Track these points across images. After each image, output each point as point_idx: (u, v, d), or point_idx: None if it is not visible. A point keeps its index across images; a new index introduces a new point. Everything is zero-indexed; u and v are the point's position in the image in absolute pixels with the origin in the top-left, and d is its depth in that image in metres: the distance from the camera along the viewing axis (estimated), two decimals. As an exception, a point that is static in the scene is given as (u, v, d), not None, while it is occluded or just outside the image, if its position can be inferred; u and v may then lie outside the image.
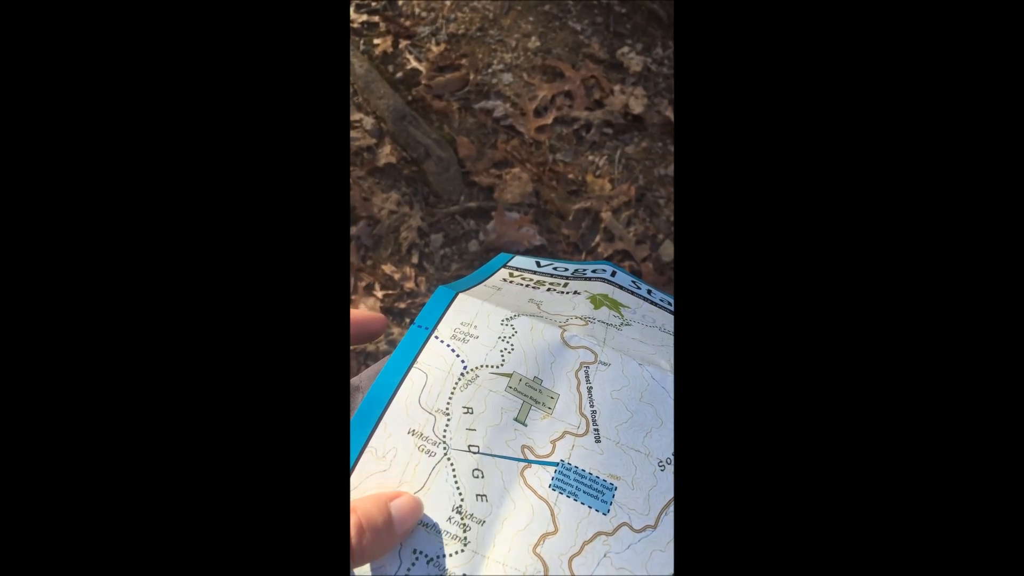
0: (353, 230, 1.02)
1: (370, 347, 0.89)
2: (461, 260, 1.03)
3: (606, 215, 1.10)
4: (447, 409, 0.30)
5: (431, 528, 0.27)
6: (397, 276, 1.00)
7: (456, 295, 0.34)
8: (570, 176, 1.16)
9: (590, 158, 1.19)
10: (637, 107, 1.20)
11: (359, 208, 1.04)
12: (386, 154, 1.08)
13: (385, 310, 0.97)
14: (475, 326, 0.32)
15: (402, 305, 0.98)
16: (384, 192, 1.06)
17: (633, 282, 0.38)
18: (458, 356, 0.31)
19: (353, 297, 0.97)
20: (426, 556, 0.27)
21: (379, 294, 0.98)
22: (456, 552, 0.27)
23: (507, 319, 0.33)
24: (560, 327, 0.33)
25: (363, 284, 0.99)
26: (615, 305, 0.35)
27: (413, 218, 1.04)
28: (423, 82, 1.16)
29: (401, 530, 0.25)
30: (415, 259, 1.02)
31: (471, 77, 1.19)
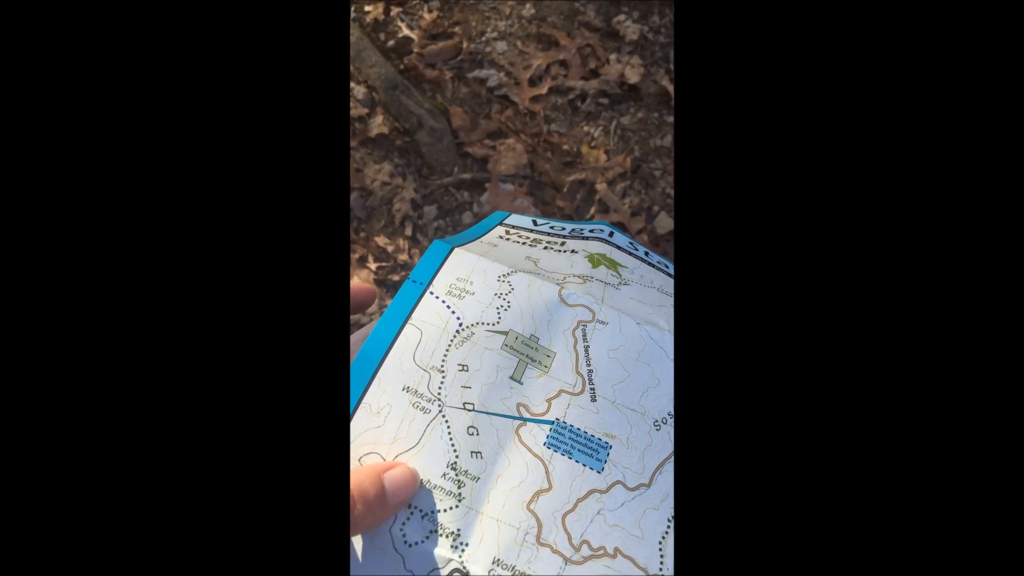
0: (345, 201, 1.00)
1: (363, 319, 0.88)
2: (455, 232, 1.02)
3: (601, 187, 1.09)
4: (442, 366, 0.29)
5: (425, 484, 0.27)
6: (390, 248, 0.99)
7: (452, 250, 0.33)
8: (565, 147, 1.15)
9: (585, 129, 1.18)
10: (633, 76, 1.18)
11: (352, 179, 1.03)
12: (378, 124, 1.06)
13: (379, 282, 0.96)
14: (471, 282, 0.32)
15: (395, 277, 0.97)
16: (376, 163, 1.04)
17: (630, 243, 0.37)
18: (453, 313, 0.31)
19: (346, 269, 0.96)
20: (420, 511, 0.27)
21: (372, 266, 0.97)
22: (450, 508, 0.27)
23: (504, 275, 0.32)
24: (558, 284, 0.32)
25: (356, 256, 0.98)
26: (613, 265, 0.35)
27: (406, 190, 1.03)
28: (415, 50, 1.14)
29: (395, 502, 0.25)
30: (408, 231, 1.01)
31: (464, 45, 1.16)
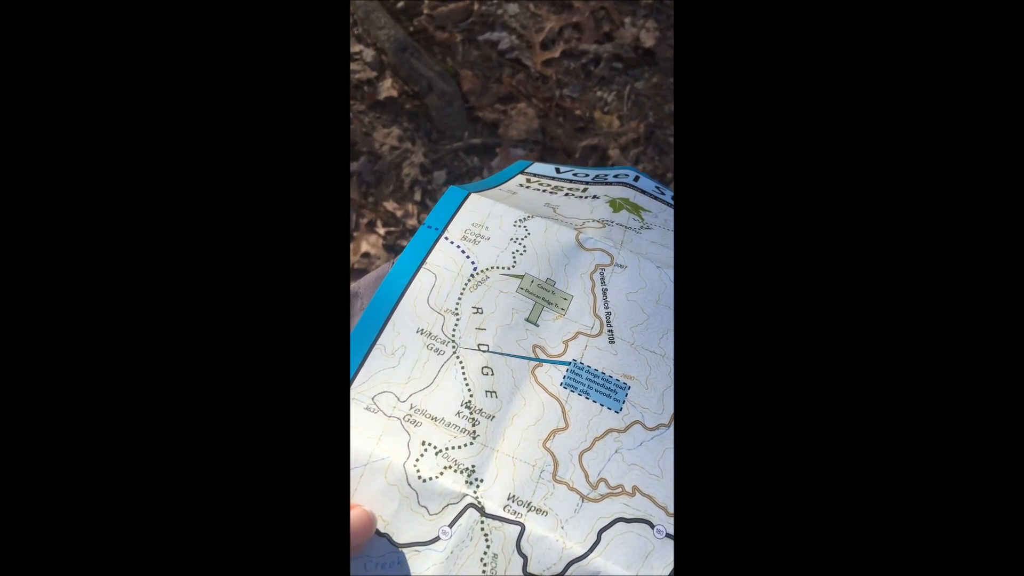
0: (354, 166, 0.99)
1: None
2: (465, 197, 1.00)
3: (614, 153, 1.07)
4: (456, 309, 0.29)
5: (439, 421, 0.27)
6: (399, 213, 0.98)
7: (468, 195, 0.32)
8: (577, 112, 1.12)
9: (598, 94, 1.15)
10: (648, 40, 1.15)
11: (360, 143, 1.02)
12: (387, 87, 1.05)
13: (388, 247, 0.96)
14: (487, 227, 0.31)
15: (404, 243, 0.96)
16: (385, 127, 1.03)
17: (657, 187, 0.36)
18: (468, 257, 0.30)
19: (355, 234, 0.96)
20: (435, 448, 0.26)
21: (381, 231, 0.96)
22: (465, 444, 0.26)
23: (520, 220, 0.32)
24: (576, 229, 0.31)
25: (365, 221, 0.97)
26: (635, 209, 0.34)
27: (415, 154, 1.01)
28: (425, 12, 1.11)
29: (352, 544, 0.24)
30: (417, 196, 1.00)
31: (475, 7, 1.13)
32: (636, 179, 0.36)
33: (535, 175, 0.37)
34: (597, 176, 0.37)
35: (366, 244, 0.96)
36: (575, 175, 0.37)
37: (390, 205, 0.98)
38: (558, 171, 0.38)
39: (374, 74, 1.06)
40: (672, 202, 0.36)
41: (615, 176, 0.36)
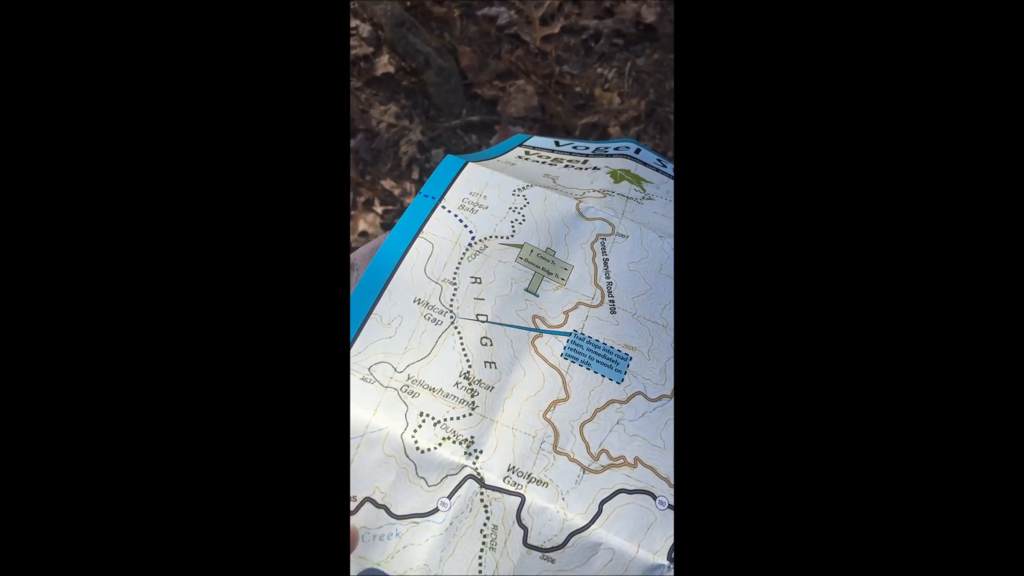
0: (351, 143, 0.98)
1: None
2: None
3: (614, 130, 1.06)
4: (454, 279, 0.28)
5: (437, 392, 0.26)
6: (397, 191, 0.97)
7: (465, 164, 0.32)
8: (577, 89, 1.11)
9: (599, 70, 1.13)
10: (649, 16, 1.13)
11: (357, 120, 1.00)
12: (384, 63, 1.03)
13: (385, 226, 0.95)
14: (485, 196, 0.30)
15: (403, 222, 0.95)
16: (383, 104, 1.01)
17: (659, 160, 0.35)
18: (466, 227, 0.30)
19: (352, 213, 0.95)
20: (432, 419, 0.26)
21: (379, 209, 0.95)
22: (464, 415, 0.26)
23: (519, 189, 0.31)
24: (576, 199, 0.31)
25: (362, 200, 0.96)
26: (637, 180, 0.33)
27: (413, 132, 1.00)
28: (422, -14, 1.09)
29: None
30: (415, 174, 0.98)
31: (473, -20, 1.11)
32: (637, 151, 0.36)
33: (534, 148, 0.36)
34: (597, 149, 0.36)
35: (363, 223, 0.95)
36: (575, 148, 0.36)
37: (387, 183, 0.97)
38: (557, 144, 0.37)
39: (371, 50, 1.04)
40: (674, 175, 0.35)
41: (615, 148, 0.36)
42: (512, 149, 0.36)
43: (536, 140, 0.38)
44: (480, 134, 1.03)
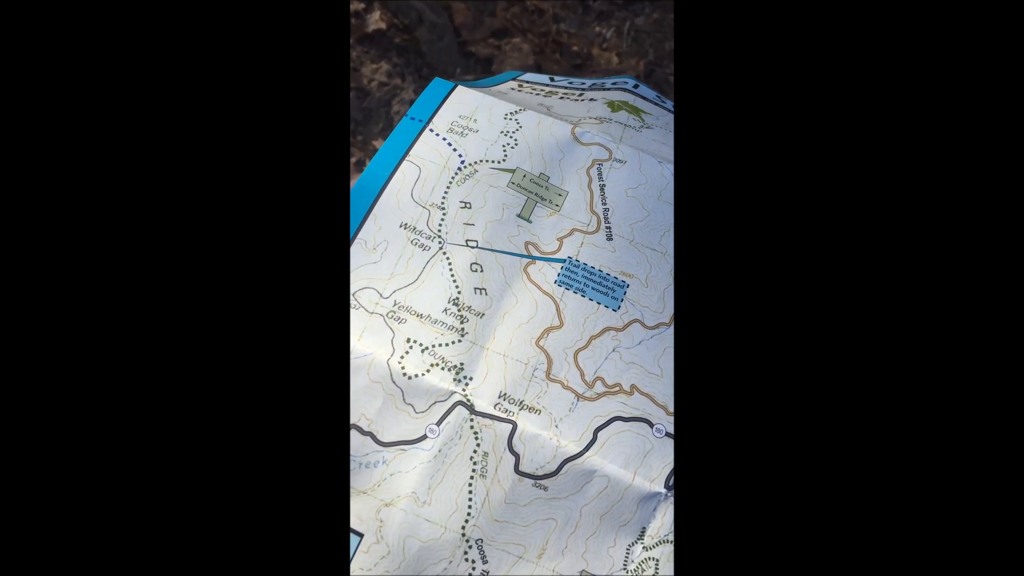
0: (342, 103, 0.95)
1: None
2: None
3: (612, 89, 1.03)
4: (442, 203, 0.27)
5: (425, 319, 0.25)
6: (390, 153, 0.95)
7: (455, 87, 0.30)
8: (575, 48, 1.08)
9: (597, 29, 1.10)
10: (649, -30, 1.10)
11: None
12: (375, 20, 0.99)
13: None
14: (475, 120, 0.29)
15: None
16: (374, 62, 0.98)
17: (658, 96, 0.34)
18: (455, 150, 0.28)
19: (345, 174, 0.93)
20: (420, 345, 0.25)
21: (372, 171, 0.93)
22: (453, 342, 0.25)
23: (511, 113, 0.29)
24: (571, 124, 0.29)
25: (354, 160, 0.94)
26: (635, 111, 0.32)
27: (405, 91, 0.97)
28: (413, -61, 1.05)
29: None
30: (409, 135, 0.96)
31: (467, -67, 1.07)
32: (636, 86, 0.34)
33: (527, 81, 0.35)
34: (594, 84, 0.34)
35: (354, 183, 0.93)
36: (570, 83, 0.35)
37: (379, 143, 0.95)
38: (552, 79, 0.36)
39: (362, 6, 1.00)
40: (673, 110, 0.33)
41: (613, 83, 0.34)
42: (505, 82, 0.35)
43: (530, 76, 0.36)
44: (475, 94, 1.00)
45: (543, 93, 0.33)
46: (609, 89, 0.34)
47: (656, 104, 0.34)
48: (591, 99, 0.33)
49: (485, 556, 0.23)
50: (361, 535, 0.23)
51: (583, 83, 0.35)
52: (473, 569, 0.23)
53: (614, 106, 0.32)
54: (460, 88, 0.30)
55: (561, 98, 0.33)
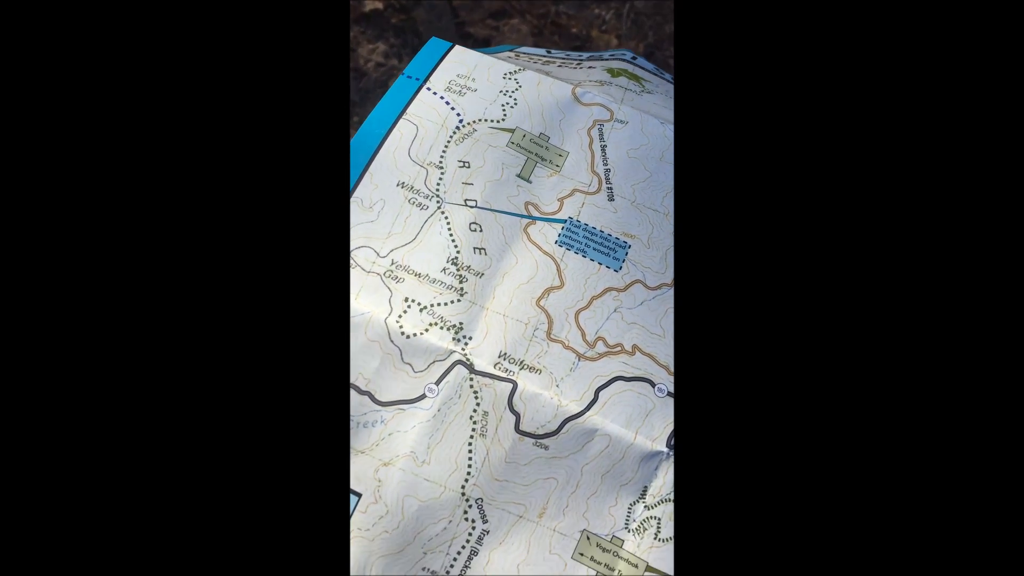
0: (339, 84, 0.94)
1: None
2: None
3: (612, 71, 1.02)
4: (440, 163, 0.26)
5: (423, 278, 0.25)
6: (388, 135, 0.94)
7: (452, 46, 0.29)
8: (574, 30, 1.07)
9: (596, 11, 1.09)
10: (649, -50, 1.08)
11: (344, 60, 0.97)
12: (372, 0, 0.98)
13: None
14: (473, 79, 0.28)
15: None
16: (370, 43, 0.97)
17: (657, 69, 0.34)
18: (453, 109, 0.28)
19: (342, 157, 0.92)
20: (418, 304, 0.24)
21: (369, 153, 0.93)
22: (452, 301, 0.24)
23: (510, 73, 0.29)
24: (572, 85, 0.29)
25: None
26: (635, 78, 0.31)
27: (402, 71, 0.96)
28: (410, -82, 1.03)
29: None
30: (407, 117, 0.95)
31: (464, -88, 1.05)
32: (634, 58, 0.34)
33: (524, 53, 0.34)
34: (592, 55, 0.34)
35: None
36: (567, 55, 0.34)
37: (377, 126, 0.94)
38: (549, 52, 0.35)
39: (357, -14, 0.99)
40: (672, 81, 0.33)
41: (610, 55, 0.34)
42: (502, 52, 0.34)
43: (526, 48, 0.36)
44: (473, 75, 0.99)
45: (541, 62, 0.33)
46: (607, 60, 0.33)
47: (655, 75, 0.33)
48: (589, 67, 0.32)
49: (485, 515, 0.23)
50: (359, 495, 0.22)
51: (580, 55, 0.35)
52: (473, 528, 0.23)
53: (614, 72, 0.31)
54: (458, 48, 0.30)
55: (559, 66, 0.32)
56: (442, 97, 0.28)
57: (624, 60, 0.33)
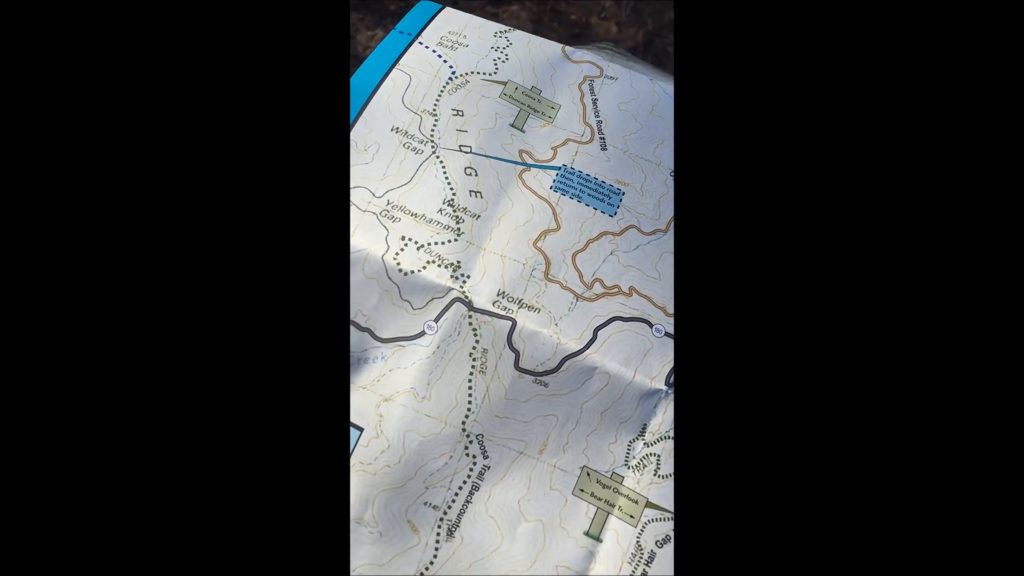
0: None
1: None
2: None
3: (609, 57, 1.02)
4: (434, 110, 0.27)
5: (420, 218, 0.25)
6: (387, 123, 0.94)
7: (442, 8, 0.30)
8: (573, 17, 1.07)
9: (593, -3, 1.09)
10: (645, -64, 1.09)
11: (343, 51, 0.97)
12: (369, -9, 0.99)
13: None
14: (464, 36, 0.29)
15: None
16: (369, 29, 0.98)
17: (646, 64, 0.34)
18: (446, 62, 0.28)
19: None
20: (416, 242, 0.25)
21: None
22: (449, 240, 0.25)
23: (501, 32, 0.29)
24: (561, 45, 0.29)
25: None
26: (622, 55, 0.32)
27: (402, 61, 0.97)
28: (406, -91, 1.04)
29: None
30: (406, 106, 0.96)
31: (460, -98, 1.06)
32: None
33: None
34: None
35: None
36: None
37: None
38: None
39: (355, -22, 1.00)
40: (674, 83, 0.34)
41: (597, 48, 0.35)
42: None
43: None
44: (471, 63, 0.99)
45: None
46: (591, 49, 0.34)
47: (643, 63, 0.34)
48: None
49: (486, 451, 0.23)
50: (361, 429, 0.23)
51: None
52: (474, 464, 0.23)
53: (601, 49, 0.32)
54: (448, 8, 0.30)
55: None
56: (434, 51, 0.28)
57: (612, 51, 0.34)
